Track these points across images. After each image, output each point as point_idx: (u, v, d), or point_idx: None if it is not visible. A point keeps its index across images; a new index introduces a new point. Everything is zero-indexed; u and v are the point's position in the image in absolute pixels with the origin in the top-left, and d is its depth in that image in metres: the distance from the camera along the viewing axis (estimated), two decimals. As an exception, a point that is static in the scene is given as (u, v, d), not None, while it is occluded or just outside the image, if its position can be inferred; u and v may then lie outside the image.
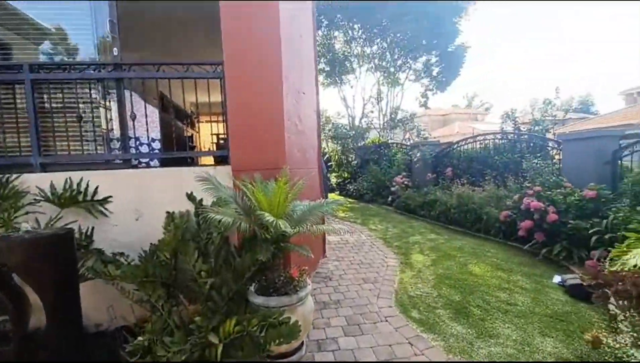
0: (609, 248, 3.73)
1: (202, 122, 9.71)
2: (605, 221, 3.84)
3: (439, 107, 39.43)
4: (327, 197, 8.88)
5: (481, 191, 5.93)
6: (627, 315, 2.25)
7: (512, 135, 6.33)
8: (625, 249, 2.67)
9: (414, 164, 8.82)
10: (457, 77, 15.87)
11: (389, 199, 9.28)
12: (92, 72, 2.98)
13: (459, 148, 7.81)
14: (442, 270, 4.12)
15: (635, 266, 2.39)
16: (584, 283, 3.11)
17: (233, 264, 2.23)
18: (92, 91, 3.06)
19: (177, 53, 5.67)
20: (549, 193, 4.48)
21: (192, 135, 8.53)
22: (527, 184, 4.85)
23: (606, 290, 2.24)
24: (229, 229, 2.17)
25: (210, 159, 5.87)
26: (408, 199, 8.09)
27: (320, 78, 16.94)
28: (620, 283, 2.17)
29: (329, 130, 13.31)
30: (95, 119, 3.05)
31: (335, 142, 13.15)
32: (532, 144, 6.00)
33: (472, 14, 14.60)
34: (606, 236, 3.75)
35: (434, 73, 16.12)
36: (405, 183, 8.98)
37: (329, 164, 14.74)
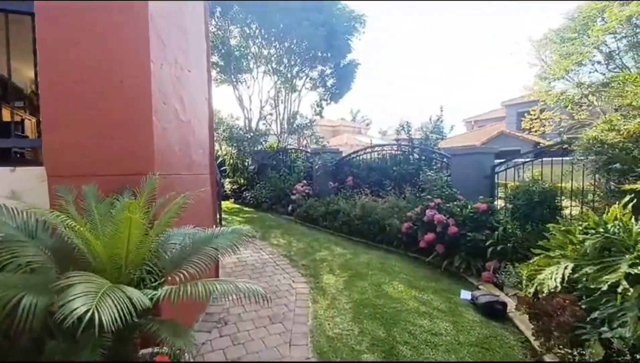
0: (501, 259, 3.96)
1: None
2: (496, 232, 4.10)
3: (329, 119, 41.95)
4: (220, 207, 7.55)
5: (383, 202, 5.89)
6: (553, 346, 2.12)
7: (407, 147, 6.64)
8: (537, 267, 2.66)
9: (315, 172, 8.47)
10: (349, 90, 16.79)
11: (290, 208, 8.64)
12: None
13: (358, 157, 7.83)
14: (357, 295, 3.63)
15: (555, 287, 2.32)
16: (499, 300, 3.07)
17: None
18: None
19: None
20: (448, 205, 4.62)
21: (22, 121, 5.87)
22: (427, 196, 4.95)
23: (548, 326, 2.04)
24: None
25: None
26: (310, 208, 7.61)
27: (214, 73, 15.19)
28: (559, 312, 2.00)
29: (223, 130, 11.81)
30: None
31: (230, 144, 11.73)
32: (424, 157, 6.37)
33: (363, 33, 15.70)
34: (498, 248, 3.99)
35: (328, 84, 16.64)
36: (307, 191, 8.52)
37: (222, 168, 13.17)
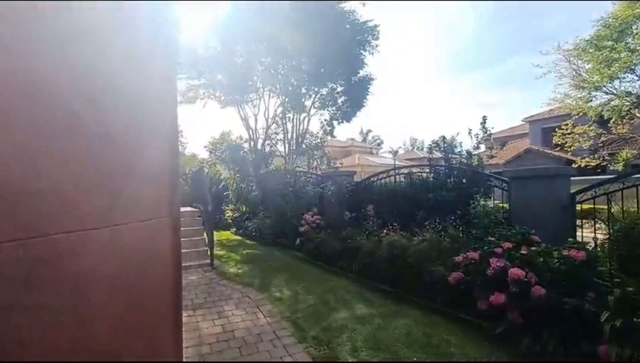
0: (624, 341, 2.51)
1: None
2: (610, 297, 2.67)
3: (338, 140, 41.27)
4: (212, 240, 6.29)
5: (419, 242, 4.51)
6: None
7: (443, 168, 5.32)
8: None
9: (327, 199, 7.18)
10: (361, 108, 15.74)
11: (298, 242, 7.31)
12: None
13: (379, 181, 6.53)
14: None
15: None
16: None
17: None
18: None
19: None
20: (522, 252, 3.22)
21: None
22: (489, 238, 3.56)
23: None
24: None
25: None
26: (322, 244, 6.27)
27: (218, 92, 14.46)
28: None
29: (222, 152, 10.77)
30: None
31: (230, 168, 10.64)
32: (465, 181, 5.02)
33: (376, 48, 14.84)
34: (617, 323, 2.55)
35: (339, 102, 15.68)
36: (317, 222, 7.20)
37: (226, 193, 12.06)
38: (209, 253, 6.14)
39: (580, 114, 13.88)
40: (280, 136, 14.16)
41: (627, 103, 10.46)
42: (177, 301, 1.94)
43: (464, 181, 5.08)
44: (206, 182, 7.06)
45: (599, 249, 3.24)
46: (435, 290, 4.01)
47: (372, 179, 6.70)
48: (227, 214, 10.67)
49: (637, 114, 11.74)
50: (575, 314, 2.74)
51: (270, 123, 13.65)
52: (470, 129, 5.38)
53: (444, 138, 5.47)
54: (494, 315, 3.25)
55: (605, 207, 3.92)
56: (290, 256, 6.91)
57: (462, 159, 5.24)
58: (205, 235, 6.47)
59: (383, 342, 3.18)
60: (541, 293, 2.86)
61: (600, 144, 13.80)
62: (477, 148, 5.19)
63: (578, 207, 3.92)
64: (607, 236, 3.39)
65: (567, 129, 14.76)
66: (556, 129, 15.49)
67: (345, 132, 38.91)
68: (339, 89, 15.68)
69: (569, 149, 14.55)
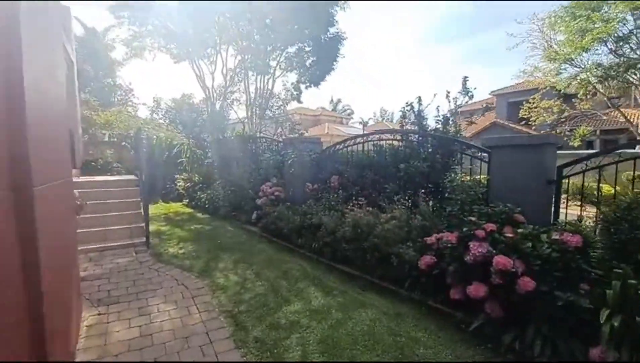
0: (622, 345, 2.10)
1: None
2: (609, 292, 2.22)
3: (309, 108, 39.73)
4: (147, 213, 5.31)
5: (387, 219, 3.92)
6: None
7: (418, 136, 4.67)
8: None
9: (289, 168, 6.37)
10: (331, 71, 14.60)
11: (254, 216, 6.55)
12: None
13: (346, 149, 5.80)
14: None
15: None
16: None
17: None
18: None
19: None
20: (508, 236, 2.69)
21: None
22: (468, 217, 3.00)
23: None
24: None
25: None
26: (280, 219, 5.56)
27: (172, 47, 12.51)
28: None
29: (166, 112, 9.36)
30: None
31: (181, 131, 9.32)
32: (440, 152, 4.42)
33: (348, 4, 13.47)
34: (615, 323, 2.12)
35: (307, 64, 14.39)
36: (277, 194, 6.44)
37: (180, 160, 10.79)
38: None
39: (547, 88, 13.91)
40: (243, 99, 12.80)
41: (594, 78, 10.39)
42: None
43: (438, 151, 4.48)
44: (142, 146, 5.92)
45: (588, 231, 2.80)
46: (405, 274, 3.49)
47: (337, 147, 5.95)
48: (179, 184, 9.53)
49: (601, 90, 11.87)
50: (567, 310, 2.29)
51: (228, 84, 12.23)
52: (449, 92, 4.72)
53: (419, 98, 4.77)
54: (470, 304, 2.78)
55: (590, 184, 3.56)
56: (245, 233, 6.16)
57: (438, 126, 4.60)
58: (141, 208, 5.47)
59: (340, 344, 2.59)
60: (530, 286, 2.37)
61: (563, 120, 14.05)
62: (456, 113, 4.56)
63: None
64: (596, 216, 2.97)
65: (533, 103, 14.83)
66: (523, 103, 15.56)
67: (315, 100, 37.38)
68: (308, 49, 14.38)
69: (533, 124, 14.72)
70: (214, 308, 3.18)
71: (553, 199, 3.34)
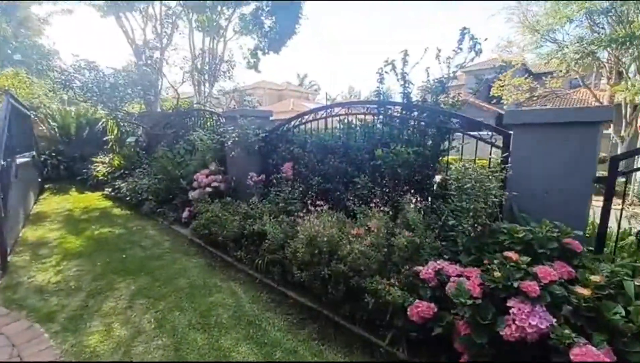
0: None
1: None
2: None
3: (273, 81, 37.14)
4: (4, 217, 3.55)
5: (359, 232, 2.62)
6: None
7: (402, 109, 3.35)
8: None
9: (229, 150, 4.83)
10: (292, 34, 12.72)
11: (185, 214, 5.00)
12: None
13: (304, 126, 4.37)
14: None
15: None
16: None
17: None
18: None
19: None
20: (582, 292, 1.50)
21: None
22: (509, 254, 1.78)
23: None
24: None
25: None
26: (214, 222, 4.09)
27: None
28: None
29: (58, 75, 7.15)
30: None
31: (105, 104, 7.18)
32: (433, 130, 3.16)
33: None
34: None
35: (266, 26, 12.38)
36: (215, 185, 4.91)
37: (105, 139, 8.70)
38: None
39: (519, 65, 13.26)
40: (187, 68, 10.61)
41: (574, 54, 9.69)
42: None
43: (428, 131, 3.22)
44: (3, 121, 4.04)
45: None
46: (384, 321, 2.27)
47: (292, 123, 4.48)
48: (98, 169, 7.56)
49: (574, 68, 11.37)
50: None
51: (166, 43, 10.00)
52: (440, 50, 3.39)
53: (405, 52, 3.38)
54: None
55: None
56: (171, 238, 4.61)
57: (428, 95, 3.31)
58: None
59: None
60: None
61: (535, 98, 13.59)
62: (453, 78, 3.29)
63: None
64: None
65: (505, 80, 14.20)
66: (494, 80, 14.90)
67: (280, 75, 34.88)
68: (266, 9, 12.34)
69: (506, 102, 14.16)
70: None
71: (602, 206, 2.23)
